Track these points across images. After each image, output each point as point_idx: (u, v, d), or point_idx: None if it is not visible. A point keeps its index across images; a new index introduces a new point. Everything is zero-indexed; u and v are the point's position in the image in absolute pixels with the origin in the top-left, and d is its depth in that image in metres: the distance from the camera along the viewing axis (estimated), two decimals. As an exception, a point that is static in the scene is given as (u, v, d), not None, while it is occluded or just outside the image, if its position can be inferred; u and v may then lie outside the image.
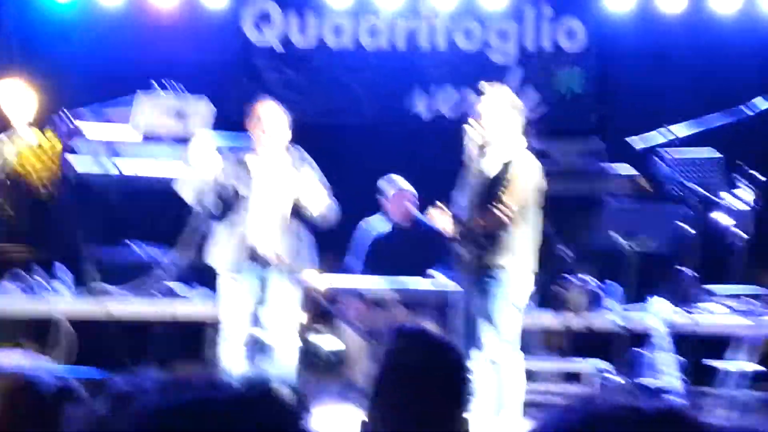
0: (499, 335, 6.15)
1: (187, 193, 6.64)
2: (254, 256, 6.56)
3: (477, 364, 6.16)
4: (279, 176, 6.58)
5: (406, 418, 2.47)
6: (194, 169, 6.60)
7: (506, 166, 6.28)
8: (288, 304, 6.60)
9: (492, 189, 6.27)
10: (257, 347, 6.53)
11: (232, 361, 6.47)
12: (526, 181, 6.28)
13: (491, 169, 6.31)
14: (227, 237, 6.58)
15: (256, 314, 6.57)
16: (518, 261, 6.23)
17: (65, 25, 8.88)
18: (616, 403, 0.99)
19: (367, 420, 2.52)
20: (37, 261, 7.65)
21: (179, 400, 1.19)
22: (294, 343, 6.62)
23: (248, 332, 6.55)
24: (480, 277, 6.24)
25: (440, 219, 6.40)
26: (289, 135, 6.63)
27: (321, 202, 6.57)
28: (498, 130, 6.31)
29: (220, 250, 6.65)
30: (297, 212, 6.59)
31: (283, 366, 6.52)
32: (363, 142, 8.94)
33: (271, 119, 6.63)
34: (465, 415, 2.58)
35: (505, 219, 6.18)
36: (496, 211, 6.18)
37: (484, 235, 6.23)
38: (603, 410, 0.98)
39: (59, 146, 8.03)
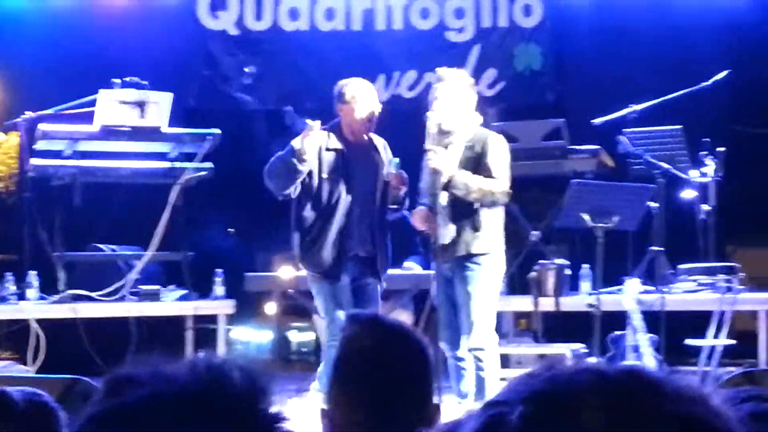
0: (479, 321, 6.12)
1: (282, 185, 5.96)
2: (350, 256, 6.03)
3: (462, 351, 6.16)
4: (374, 165, 6.08)
5: (360, 406, 2.46)
6: (301, 161, 5.89)
7: (476, 147, 6.06)
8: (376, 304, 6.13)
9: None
10: None
11: None
12: (502, 159, 6.12)
13: (458, 154, 6.19)
14: (321, 237, 5.98)
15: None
16: (494, 245, 6.16)
17: (14, 16, 8.69)
18: (578, 366, 1.00)
19: (326, 409, 2.50)
20: (8, 267, 7.52)
21: (119, 403, 1.10)
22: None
23: None
24: (458, 264, 6.17)
25: (421, 221, 6.25)
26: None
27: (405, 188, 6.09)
28: (459, 113, 6.18)
29: (315, 253, 6.03)
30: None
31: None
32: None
33: (365, 100, 6.08)
34: (434, 402, 2.57)
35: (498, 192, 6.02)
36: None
37: (460, 219, 6.09)
38: (565, 373, 1.00)
39: (16, 143, 7.92)
